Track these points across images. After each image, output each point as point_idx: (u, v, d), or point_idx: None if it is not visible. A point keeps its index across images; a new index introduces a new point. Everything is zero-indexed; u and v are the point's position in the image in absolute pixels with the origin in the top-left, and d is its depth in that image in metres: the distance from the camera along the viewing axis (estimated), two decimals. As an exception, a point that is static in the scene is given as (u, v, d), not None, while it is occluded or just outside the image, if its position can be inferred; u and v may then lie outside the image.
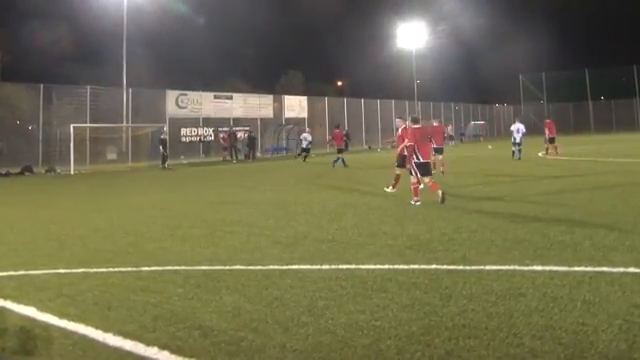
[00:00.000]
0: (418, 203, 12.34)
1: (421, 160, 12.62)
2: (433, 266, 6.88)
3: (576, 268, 6.50)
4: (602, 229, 8.73)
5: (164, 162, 34.07)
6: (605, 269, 6.40)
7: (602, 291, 5.61)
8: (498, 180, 17.84)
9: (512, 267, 6.67)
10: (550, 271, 6.44)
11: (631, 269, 6.34)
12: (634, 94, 72.37)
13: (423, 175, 12.69)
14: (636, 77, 73.61)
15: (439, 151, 20.46)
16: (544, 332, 4.60)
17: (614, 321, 4.78)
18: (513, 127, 28.47)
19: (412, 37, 65.53)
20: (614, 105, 70.84)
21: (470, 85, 78.17)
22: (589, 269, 6.43)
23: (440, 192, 12.29)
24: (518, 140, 27.58)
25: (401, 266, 6.96)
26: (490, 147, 36.04)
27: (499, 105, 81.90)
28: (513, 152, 27.60)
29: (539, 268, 6.57)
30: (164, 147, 34.20)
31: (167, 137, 35.40)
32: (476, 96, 75.94)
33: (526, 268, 6.59)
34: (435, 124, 21.63)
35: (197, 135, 43.20)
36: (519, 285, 5.90)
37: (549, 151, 28.70)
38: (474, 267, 6.76)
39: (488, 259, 7.12)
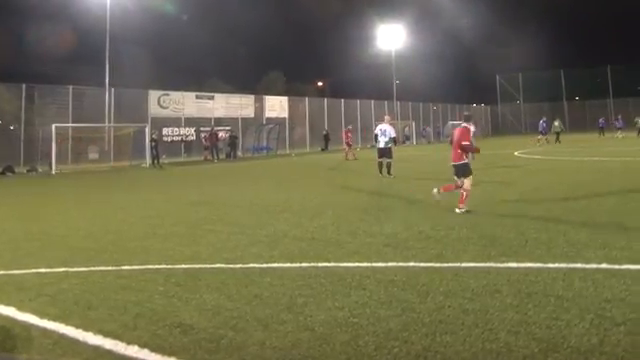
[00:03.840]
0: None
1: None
2: (411, 264, 6.98)
3: (550, 265, 6.63)
4: (576, 226, 8.91)
5: (156, 160, 35.34)
6: (578, 265, 6.55)
7: (575, 287, 5.74)
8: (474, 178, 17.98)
9: (488, 264, 6.79)
10: (525, 268, 6.56)
11: (603, 265, 6.47)
12: (608, 94, 73.33)
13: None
14: (610, 78, 74.50)
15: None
16: (519, 327, 4.71)
17: (586, 316, 4.90)
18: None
19: (392, 38, 65.95)
20: (588, 105, 71.68)
21: (450, 85, 78.72)
22: (563, 265, 6.56)
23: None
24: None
25: (379, 264, 7.05)
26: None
27: (477, 105, 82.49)
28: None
29: (514, 265, 6.69)
30: (156, 146, 35.72)
31: (157, 137, 36.77)
32: (456, 96, 76.46)
33: (502, 265, 6.72)
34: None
35: (179, 135, 43.07)
36: (495, 282, 6.01)
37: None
38: (451, 264, 6.87)
39: (465, 256, 7.23)
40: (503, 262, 6.84)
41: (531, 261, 6.83)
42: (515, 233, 8.57)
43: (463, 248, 7.74)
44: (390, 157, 19.43)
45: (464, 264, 6.86)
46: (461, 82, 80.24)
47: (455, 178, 11.33)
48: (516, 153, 30.10)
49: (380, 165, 19.56)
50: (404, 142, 58.22)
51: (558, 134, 41.75)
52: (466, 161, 11.26)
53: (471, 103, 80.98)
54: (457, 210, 10.76)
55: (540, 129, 41.99)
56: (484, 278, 6.18)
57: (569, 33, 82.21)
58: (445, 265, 6.86)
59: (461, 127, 11.49)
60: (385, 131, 19.50)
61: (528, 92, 79.66)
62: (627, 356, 4.09)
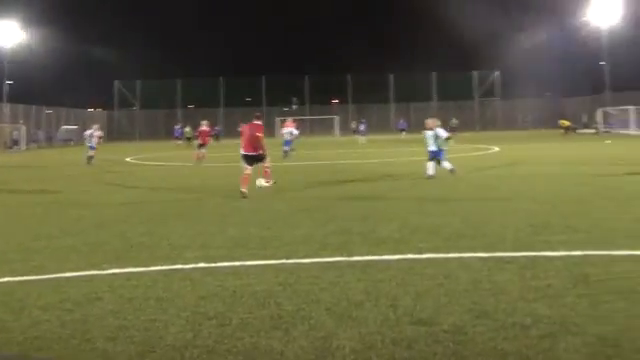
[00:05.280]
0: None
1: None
2: (6, 279, 6.46)
3: (153, 268, 6.80)
4: (178, 229, 9.35)
5: None
6: (179, 266, 6.85)
7: (175, 287, 6.00)
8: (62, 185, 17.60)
9: (91, 272, 6.68)
10: (128, 273, 6.62)
11: (201, 264, 6.90)
12: (219, 103, 78.94)
13: None
14: (222, 88, 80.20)
15: None
16: (117, 333, 4.73)
17: (183, 314, 5.16)
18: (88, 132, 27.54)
19: (6, 35, 60.49)
20: (201, 113, 75.60)
21: (67, 88, 75.17)
22: (164, 268, 6.80)
23: None
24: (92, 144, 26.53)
25: (-34, 283, 6.39)
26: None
27: (93, 110, 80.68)
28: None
29: (118, 271, 6.70)
30: None
31: None
32: (72, 100, 73.25)
33: (104, 272, 6.67)
34: None
35: None
36: (96, 289, 5.93)
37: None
38: (52, 275, 6.58)
39: (68, 266, 6.99)
40: (106, 269, 6.79)
41: (134, 266, 6.91)
42: (120, 238, 8.61)
43: (66, 257, 7.48)
44: None
45: (66, 274, 6.63)
46: (79, 86, 77.25)
47: (245, 165, 13.57)
48: (128, 159, 30.21)
49: None
50: (11, 147, 53.69)
51: (189, 139, 44.05)
52: (260, 152, 13.72)
53: (89, 107, 78.81)
54: (265, 184, 13.69)
55: (177, 134, 47.52)
56: (86, 287, 6.06)
57: (188, 45, 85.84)
58: (45, 277, 6.53)
59: (255, 124, 14.00)
60: None
61: (145, 99, 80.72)
62: (216, 347, 4.42)
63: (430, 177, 16.01)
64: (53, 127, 66.81)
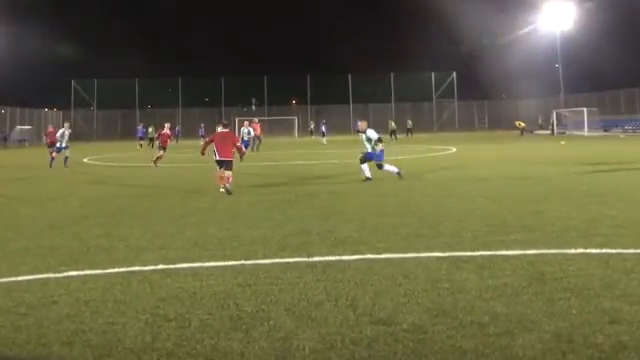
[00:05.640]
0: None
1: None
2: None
3: (110, 270, 6.71)
4: (137, 230, 9.25)
5: None
6: (137, 268, 6.76)
7: (133, 289, 5.93)
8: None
9: (47, 275, 6.55)
10: (85, 275, 6.52)
11: (160, 266, 6.82)
12: (177, 104, 78.17)
13: None
14: (180, 89, 79.41)
15: None
16: (74, 337, 4.64)
17: (141, 316, 5.10)
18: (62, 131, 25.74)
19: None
20: (159, 114, 74.55)
21: (19, 88, 73.41)
22: (122, 270, 6.71)
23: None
24: (64, 145, 24.86)
25: None
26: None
27: (48, 110, 78.86)
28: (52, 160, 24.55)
29: (74, 273, 6.59)
30: None
31: None
32: (25, 99, 71.45)
33: (60, 275, 6.55)
34: None
35: None
36: (52, 293, 5.82)
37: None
38: (14, 279, 6.45)
39: (22, 269, 6.85)
40: (62, 272, 6.67)
41: (91, 268, 6.80)
42: (77, 241, 8.47)
43: (21, 260, 7.31)
44: None
45: (21, 277, 6.49)
46: (34, 85, 75.64)
47: (219, 169, 14.13)
48: (86, 160, 29.67)
49: None
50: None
51: (152, 139, 43.48)
52: (232, 159, 14.41)
53: (43, 107, 76.95)
54: (222, 189, 13.74)
55: (139, 134, 47.60)
56: (41, 290, 5.93)
57: (146, 45, 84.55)
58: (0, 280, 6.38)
59: (227, 132, 15.22)
60: None
61: (102, 99, 79.22)
62: (176, 349, 4.38)
63: (367, 179, 15.65)
64: (8, 127, 65.01)
